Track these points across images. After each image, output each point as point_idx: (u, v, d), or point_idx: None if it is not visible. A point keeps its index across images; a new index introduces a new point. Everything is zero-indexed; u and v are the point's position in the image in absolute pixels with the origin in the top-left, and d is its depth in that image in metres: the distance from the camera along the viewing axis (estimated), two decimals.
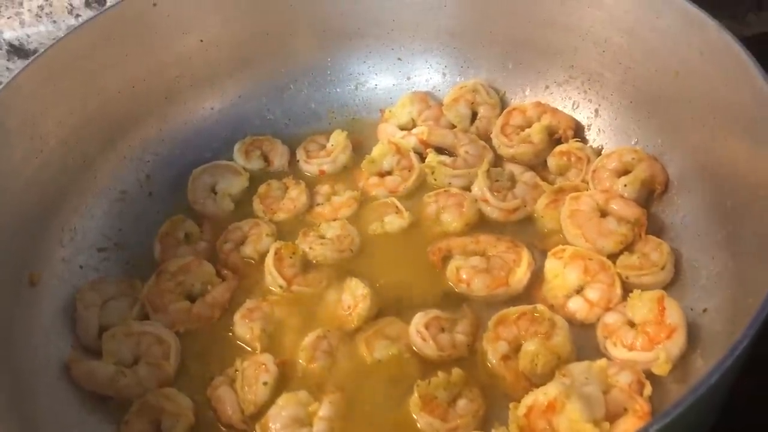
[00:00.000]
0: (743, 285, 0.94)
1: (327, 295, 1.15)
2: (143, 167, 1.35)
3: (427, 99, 1.43)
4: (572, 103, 1.34)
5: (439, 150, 1.35)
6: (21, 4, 1.44)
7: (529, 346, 1.02)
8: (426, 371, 1.03)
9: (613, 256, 1.13)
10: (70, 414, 1.03)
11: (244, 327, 1.11)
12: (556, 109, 1.34)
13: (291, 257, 1.18)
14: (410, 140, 1.36)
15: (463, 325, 1.08)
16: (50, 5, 1.46)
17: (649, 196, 1.20)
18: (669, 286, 1.08)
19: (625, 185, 1.18)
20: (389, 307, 1.13)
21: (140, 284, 1.18)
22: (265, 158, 1.40)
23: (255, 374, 1.04)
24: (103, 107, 1.28)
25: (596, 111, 1.32)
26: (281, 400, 1.00)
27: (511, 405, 0.95)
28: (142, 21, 1.29)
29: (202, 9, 1.34)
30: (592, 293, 1.09)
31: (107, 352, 1.08)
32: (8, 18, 1.45)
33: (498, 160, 1.33)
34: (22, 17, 1.45)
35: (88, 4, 1.48)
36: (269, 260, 1.18)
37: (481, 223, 1.24)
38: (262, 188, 1.33)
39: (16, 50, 1.49)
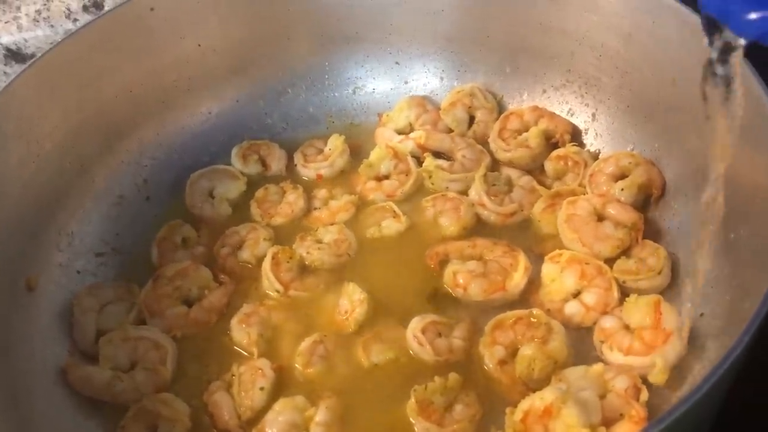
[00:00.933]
0: (740, 290, 0.94)
1: (324, 299, 1.15)
2: (141, 171, 1.35)
3: (425, 103, 1.43)
4: (569, 107, 1.34)
5: (437, 154, 1.35)
6: (18, 8, 1.44)
7: (526, 351, 1.02)
8: (423, 376, 1.02)
9: (609, 261, 1.13)
10: (66, 419, 1.03)
11: (241, 332, 1.11)
12: (554, 113, 1.34)
13: (288, 262, 1.18)
14: (408, 144, 1.37)
15: (459, 330, 1.08)
16: (48, 9, 1.46)
17: (646, 200, 1.20)
18: (666, 291, 1.09)
19: (622, 189, 1.18)
20: (386, 312, 1.13)
21: (137, 289, 1.18)
22: (263, 162, 1.40)
23: (252, 379, 1.04)
24: (100, 111, 1.28)
25: (593, 115, 1.32)
26: (278, 405, 1.00)
27: (507, 410, 0.95)
28: (139, 25, 1.29)
29: (199, 13, 1.34)
30: (589, 297, 1.09)
31: (104, 357, 1.08)
32: (6, 22, 1.45)
33: (495, 165, 1.33)
34: (19, 21, 1.45)
35: (85, 9, 1.48)
36: (266, 265, 1.18)
37: (478, 227, 1.24)
38: (259, 192, 1.33)
39: (14, 54, 1.49)
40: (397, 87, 1.48)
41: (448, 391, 1.00)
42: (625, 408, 0.92)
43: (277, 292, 1.16)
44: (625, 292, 1.08)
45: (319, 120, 1.47)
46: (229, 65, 1.41)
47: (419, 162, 1.34)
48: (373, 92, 1.49)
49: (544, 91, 1.37)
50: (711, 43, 0.70)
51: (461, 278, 1.14)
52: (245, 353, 1.11)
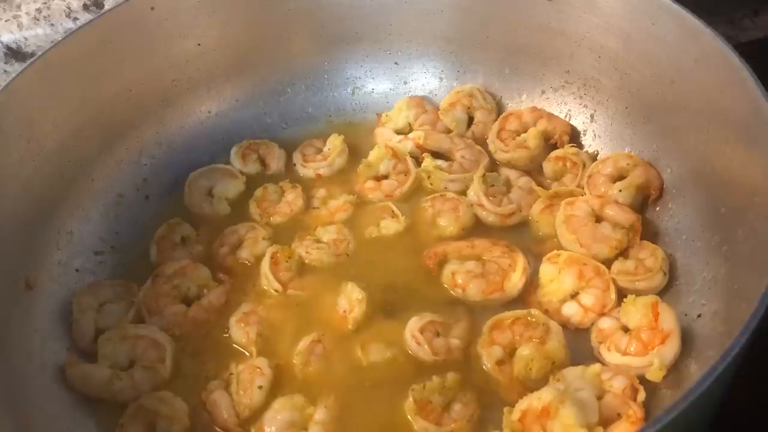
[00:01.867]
0: (737, 291, 0.94)
1: (323, 298, 1.15)
2: (140, 171, 1.35)
3: (424, 104, 1.43)
4: (568, 108, 1.35)
5: (436, 154, 1.35)
6: (19, 6, 1.44)
7: (524, 351, 1.02)
8: (421, 375, 1.03)
9: (607, 262, 1.13)
10: (65, 417, 1.04)
11: (240, 331, 1.11)
12: (552, 114, 1.35)
13: (287, 261, 1.19)
14: (407, 144, 1.37)
15: (458, 330, 1.09)
16: (48, 8, 1.46)
17: (644, 201, 1.20)
18: (663, 292, 1.09)
19: (620, 191, 1.19)
20: (385, 311, 1.13)
21: (136, 287, 1.18)
22: (262, 162, 1.40)
23: (250, 378, 1.04)
24: (100, 110, 1.28)
25: (592, 116, 1.32)
26: (277, 404, 1.01)
27: (505, 409, 0.95)
28: (139, 25, 1.29)
29: (199, 13, 1.34)
30: (587, 298, 1.09)
31: (103, 356, 1.08)
32: (6, 21, 1.45)
33: (494, 165, 1.33)
34: (20, 20, 1.45)
35: (85, 8, 1.48)
36: (265, 264, 1.18)
37: (476, 228, 1.24)
38: (258, 192, 1.33)
39: (14, 53, 1.49)
40: (397, 87, 1.48)
41: (446, 391, 1.00)
42: (623, 408, 0.93)
43: (276, 291, 1.16)
44: (623, 293, 1.08)
45: (318, 120, 1.48)
46: (228, 65, 1.42)
47: (418, 162, 1.34)
48: (373, 92, 1.49)
49: (543, 92, 1.37)
50: None
51: (460, 278, 1.14)
52: (244, 352, 1.11)
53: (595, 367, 0.97)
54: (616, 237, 1.14)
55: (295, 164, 1.40)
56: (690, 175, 1.14)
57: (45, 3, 1.46)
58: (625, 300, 1.05)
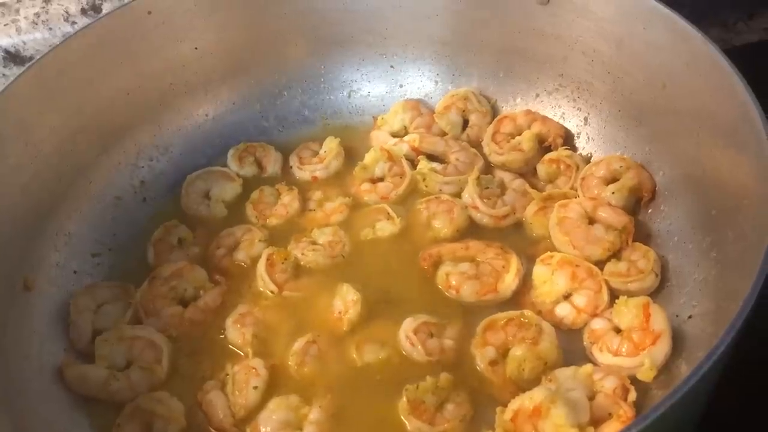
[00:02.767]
0: (726, 292, 0.95)
1: (318, 300, 1.16)
2: (138, 173, 1.37)
3: (419, 106, 1.44)
4: (562, 111, 1.36)
5: (431, 157, 1.36)
6: (17, 11, 1.45)
7: (517, 352, 1.03)
8: (415, 375, 1.04)
9: (600, 263, 1.14)
10: (62, 417, 1.04)
11: (236, 332, 1.12)
12: (546, 117, 1.36)
13: (283, 263, 1.20)
14: (402, 147, 1.38)
15: (451, 331, 1.10)
16: (46, 12, 1.47)
17: (637, 203, 1.21)
18: (655, 293, 1.10)
19: (613, 193, 1.20)
20: (379, 312, 1.14)
21: (134, 289, 1.19)
22: (259, 164, 1.42)
23: (245, 378, 1.05)
24: (98, 114, 1.29)
25: (585, 119, 1.33)
26: (272, 404, 1.02)
27: (498, 409, 0.96)
28: (137, 29, 1.30)
29: (196, 17, 1.35)
30: (580, 299, 1.10)
31: (100, 357, 1.09)
32: (5, 25, 1.46)
33: (488, 168, 1.35)
34: (18, 24, 1.46)
35: (83, 12, 1.49)
36: (261, 266, 1.19)
37: (471, 230, 1.25)
38: (254, 194, 1.34)
39: (12, 57, 1.51)
40: (392, 90, 1.49)
41: (440, 391, 1.01)
42: (614, 408, 0.93)
43: (272, 292, 1.17)
44: (615, 294, 1.09)
45: (314, 122, 1.49)
46: (225, 68, 1.43)
47: (413, 165, 1.35)
48: (368, 95, 1.50)
49: (537, 96, 1.39)
50: None
51: (454, 280, 1.15)
52: (240, 353, 1.12)
53: (587, 367, 0.98)
54: (609, 239, 1.15)
55: (291, 167, 1.41)
56: (682, 177, 1.15)
57: (43, 7, 1.47)
58: (617, 301, 1.06)
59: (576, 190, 1.25)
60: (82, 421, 1.06)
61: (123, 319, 1.15)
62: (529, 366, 1.02)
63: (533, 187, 1.29)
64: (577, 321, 1.09)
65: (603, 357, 1.03)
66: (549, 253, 1.16)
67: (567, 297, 1.11)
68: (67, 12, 1.48)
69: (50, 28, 1.50)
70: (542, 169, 1.31)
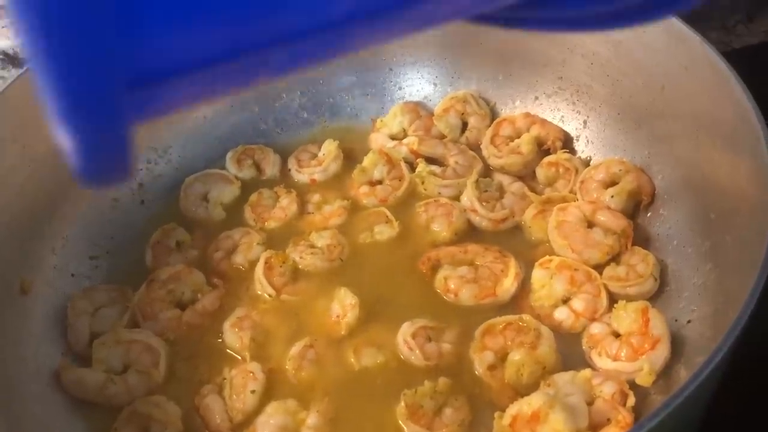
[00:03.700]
0: (725, 296, 0.95)
1: (316, 304, 1.16)
2: (135, 175, 1.36)
3: (418, 109, 1.44)
4: (561, 114, 1.36)
5: (430, 160, 1.36)
6: None
7: (515, 356, 1.03)
8: (413, 380, 1.03)
9: (599, 267, 1.14)
10: (59, 421, 1.04)
11: (234, 336, 1.12)
12: (545, 120, 1.35)
13: (281, 266, 1.19)
14: (401, 150, 1.38)
15: (449, 335, 1.09)
16: None
17: (636, 207, 1.21)
18: (654, 297, 1.10)
19: (612, 196, 1.20)
20: (378, 316, 1.13)
21: (131, 292, 1.18)
22: (257, 167, 1.41)
23: (243, 382, 1.05)
24: None
25: (585, 122, 1.33)
26: (270, 408, 1.01)
27: (496, 414, 0.95)
28: None
29: None
30: (578, 303, 1.10)
31: (97, 360, 1.09)
32: (3, 27, 1.46)
33: (487, 171, 1.34)
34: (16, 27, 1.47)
35: None
36: (259, 269, 1.19)
37: (469, 233, 1.25)
38: (253, 197, 1.34)
39: (11, 59, 1.50)
40: (391, 93, 1.49)
41: (438, 396, 1.01)
42: (612, 413, 0.93)
43: (270, 296, 1.17)
44: (614, 298, 1.09)
45: (313, 125, 1.48)
46: None
47: (412, 168, 1.35)
48: (367, 98, 1.50)
49: (537, 98, 1.38)
50: None
51: (452, 283, 1.15)
52: (237, 356, 1.11)
53: (585, 372, 0.98)
54: (608, 243, 1.15)
55: (290, 169, 1.40)
56: (681, 181, 1.15)
57: None
58: (616, 305, 1.06)
59: (575, 194, 1.25)
60: (79, 425, 1.05)
61: (120, 322, 1.14)
62: (528, 370, 1.01)
63: (532, 190, 1.29)
64: (575, 325, 1.09)
65: (602, 362, 1.02)
66: (548, 257, 1.15)
67: (566, 301, 1.11)
68: None
69: None
70: (541, 172, 1.31)
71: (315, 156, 1.42)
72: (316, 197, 1.34)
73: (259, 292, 1.18)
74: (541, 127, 1.34)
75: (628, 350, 1.01)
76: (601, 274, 1.13)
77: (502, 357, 1.05)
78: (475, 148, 1.38)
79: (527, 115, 1.36)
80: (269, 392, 1.05)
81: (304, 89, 1.49)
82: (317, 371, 1.07)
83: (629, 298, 1.07)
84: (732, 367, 0.77)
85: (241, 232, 1.28)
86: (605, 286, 1.11)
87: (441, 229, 1.24)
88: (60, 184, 1.23)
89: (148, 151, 1.38)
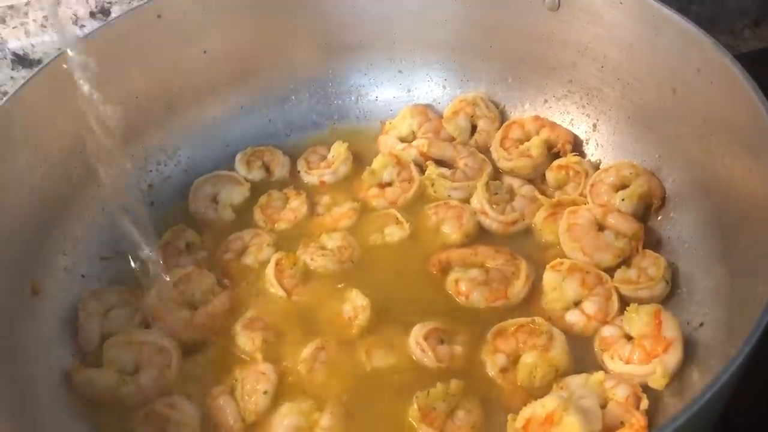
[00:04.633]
0: (739, 299, 0.95)
1: (327, 305, 1.16)
2: (145, 177, 1.36)
3: (427, 112, 1.44)
4: (571, 117, 1.36)
5: (439, 162, 1.36)
6: (26, 14, 1.45)
7: (527, 359, 1.03)
8: (425, 382, 1.03)
9: (610, 270, 1.14)
10: (71, 422, 1.04)
11: (246, 337, 1.11)
12: (555, 123, 1.36)
13: (292, 268, 1.19)
14: (410, 152, 1.38)
15: (461, 337, 1.09)
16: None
17: (647, 210, 1.21)
18: (666, 301, 1.10)
19: (623, 200, 1.20)
20: (389, 318, 1.13)
21: (142, 293, 1.18)
22: (267, 169, 1.41)
23: (255, 383, 1.05)
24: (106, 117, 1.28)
25: (594, 126, 1.33)
26: (284, 409, 1.01)
27: (509, 417, 0.96)
28: (146, 32, 1.30)
29: (206, 21, 1.35)
30: (590, 306, 1.10)
31: (108, 361, 1.09)
32: (13, 28, 1.46)
33: (497, 174, 1.34)
34: (27, 27, 1.46)
35: (92, 15, 1.49)
36: (270, 271, 1.19)
37: (480, 235, 1.25)
38: (262, 198, 1.34)
39: (21, 60, 1.50)
40: (400, 95, 1.49)
41: (450, 398, 1.01)
42: (626, 416, 0.93)
43: (281, 297, 1.17)
44: (625, 302, 1.09)
45: (322, 127, 1.48)
46: (234, 73, 1.42)
47: (422, 170, 1.35)
48: (377, 100, 1.50)
49: (546, 101, 1.38)
50: None
51: (463, 286, 1.15)
52: (248, 358, 1.11)
53: (599, 375, 0.98)
54: (619, 246, 1.15)
55: (299, 171, 1.40)
56: (692, 184, 1.15)
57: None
58: (627, 308, 1.06)
59: (585, 197, 1.25)
60: (91, 426, 1.05)
61: (131, 323, 1.14)
62: (540, 373, 1.01)
63: (542, 193, 1.29)
64: (587, 328, 1.09)
65: (614, 365, 1.02)
66: (559, 259, 1.15)
67: (577, 304, 1.11)
68: (75, 15, 1.48)
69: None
70: (551, 175, 1.31)
71: (324, 158, 1.42)
72: (325, 199, 1.34)
73: (272, 291, 1.18)
74: (550, 131, 1.34)
75: (641, 353, 1.01)
76: (612, 277, 1.13)
77: (514, 359, 1.05)
78: (485, 150, 1.38)
79: (537, 118, 1.36)
80: (281, 393, 1.05)
81: (313, 91, 1.49)
82: (329, 372, 1.07)
83: (640, 301, 1.07)
84: (748, 373, 0.77)
85: (252, 234, 1.28)
86: (616, 289, 1.11)
87: (451, 231, 1.24)
88: (71, 186, 1.24)
89: (158, 153, 1.39)
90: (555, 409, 0.89)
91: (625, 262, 1.15)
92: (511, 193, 1.30)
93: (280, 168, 1.40)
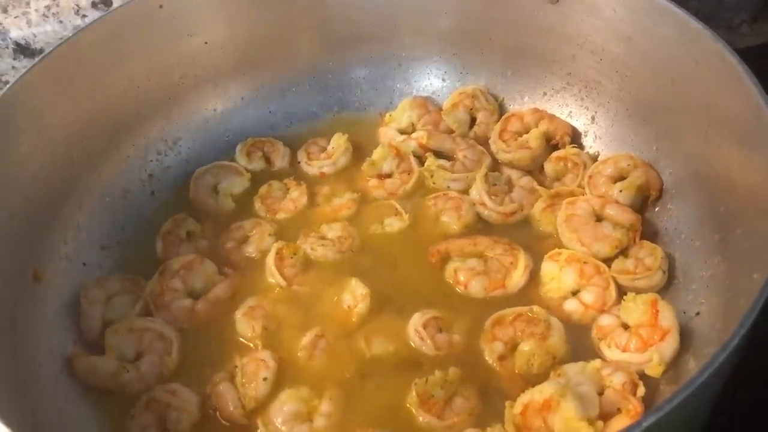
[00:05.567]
0: (734, 289, 0.96)
1: (327, 294, 1.17)
2: (146, 166, 1.37)
3: (427, 104, 1.45)
4: (569, 109, 1.37)
5: (438, 154, 1.37)
6: (28, 3, 1.45)
7: (525, 347, 1.04)
8: (423, 369, 1.04)
9: (608, 260, 1.15)
10: (73, 408, 1.05)
11: (246, 324, 1.12)
12: (554, 115, 1.36)
13: (292, 257, 1.20)
14: (410, 144, 1.39)
15: (460, 326, 1.10)
16: (57, 5, 1.48)
17: (644, 201, 1.22)
18: (663, 290, 1.11)
19: (621, 191, 1.21)
20: (388, 306, 1.14)
21: (143, 281, 1.19)
22: (267, 159, 1.42)
23: (255, 370, 1.06)
24: (108, 106, 1.29)
25: (593, 118, 1.34)
26: (283, 396, 1.02)
27: (507, 403, 0.96)
28: (148, 22, 1.31)
29: (207, 12, 1.36)
30: (588, 296, 1.11)
31: (110, 348, 1.09)
32: (15, 17, 1.46)
33: (496, 165, 1.35)
34: (29, 17, 1.47)
35: (94, 5, 1.50)
36: (270, 260, 1.20)
37: (479, 226, 1.26)
38: (263, 188, 1.35)
39: (22, 49, 1.51)
40: (400, 87, 1.50)
41: (449, 385, 1.02)
42: (623, 403, 0.94)
43: (281, 286, 1.18)
44: (622, 291, 1.10)
45: (322, 118, 1.49)
46: (235, 63, 1.43)
47: (421, 161, 1.36)
48: (376, 92, 1.50)
49: (545, 94, 1.39)
50: None
51: (462, 275, 1.16)
52: (249, 345, 1.12)
53: (596, 362, 0.99)
54: (617, 236, 1.16)
55: (299, 162, 1.41)
56: (690, 176, 1.15)
57: (54, 0, 1.47)
58: (625, 298, 1.07)
59: (583, 188, 1.26)
60: (93, 412, 1.06)
61: (133, 311, 1.15)
62: (538, 361, 1.02)
63: (541, 184, 1.30)
64: (585, 317, 1.10)
65: (611, 353, 1.03)
66: (557, 249, 1.16)
67: (575, 293, 1.12)
68: (77, 5, 1.49)
69: (61, 21, 1.50)
70: (549, 167, 1.32)
71: (324, 149, 1.42)
72: (325, 189, 1.35)
73: (271, 281, 1.19)
74: (549, 123, 1.35)
75: (638, 341, 1.02)
76: (609, 267, 1.14)
77: (512, 347, 1.06)
78: (484, 143, 1.39)
79: (536, 110, 1.37)
80: (281, 380, 1.06)
81: (313, 83, 1.50)
82: (329, 360, 1.08)
83: (638, 291, 1.09)
84: (742, 360, 0.78)
85: (253, 223, 1.28)
86: (614, 279, 1.12)
87: (451, 222, 1.25)
88: (73, 174, 1.24)
89: (159, 143, 1.39)
90: (552, 395, 0.90)
91: (623, 252, 1.16)
92: (510, 185, 1.31)
93: (280, 159, 1.41)
